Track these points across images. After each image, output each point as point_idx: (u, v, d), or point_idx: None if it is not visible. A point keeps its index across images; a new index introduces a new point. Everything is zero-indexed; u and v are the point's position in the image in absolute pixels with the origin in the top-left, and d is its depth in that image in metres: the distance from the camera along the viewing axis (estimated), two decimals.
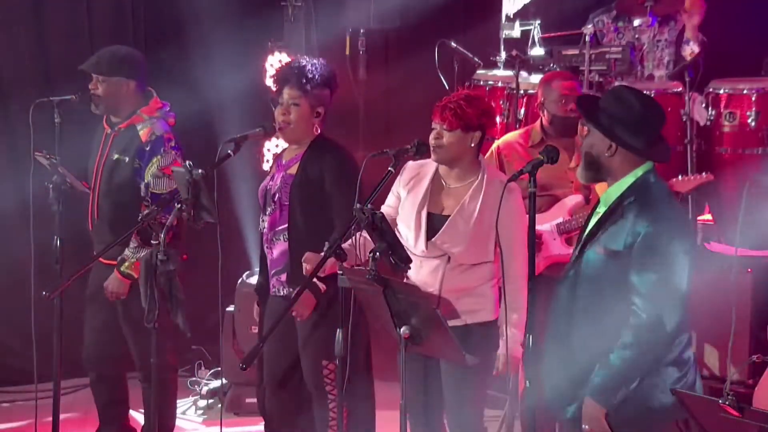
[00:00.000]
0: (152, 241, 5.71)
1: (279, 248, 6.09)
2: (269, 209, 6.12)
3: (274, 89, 6.26)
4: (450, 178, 5.73)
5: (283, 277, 6.09)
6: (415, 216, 5.70)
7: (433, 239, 5.64)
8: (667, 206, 4.71)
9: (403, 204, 5.77)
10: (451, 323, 5.58)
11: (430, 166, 5.77)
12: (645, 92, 5.16)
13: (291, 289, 6.02)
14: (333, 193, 5.99)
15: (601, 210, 4.79)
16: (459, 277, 5.63)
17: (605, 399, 4.71)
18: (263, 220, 6.17)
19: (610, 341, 4.71)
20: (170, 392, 6.92)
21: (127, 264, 6.61)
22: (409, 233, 5.70)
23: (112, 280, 6.63)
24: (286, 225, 6.06)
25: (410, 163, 5.79)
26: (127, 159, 6.65)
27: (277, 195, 6.09)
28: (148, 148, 6.64)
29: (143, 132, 6.67)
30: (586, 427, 4.75)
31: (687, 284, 4.68)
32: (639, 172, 4.73)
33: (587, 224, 4.87)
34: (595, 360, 4.74)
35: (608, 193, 4.77)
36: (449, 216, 5.64)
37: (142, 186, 6.58)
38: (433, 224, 5.67)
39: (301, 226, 6.02)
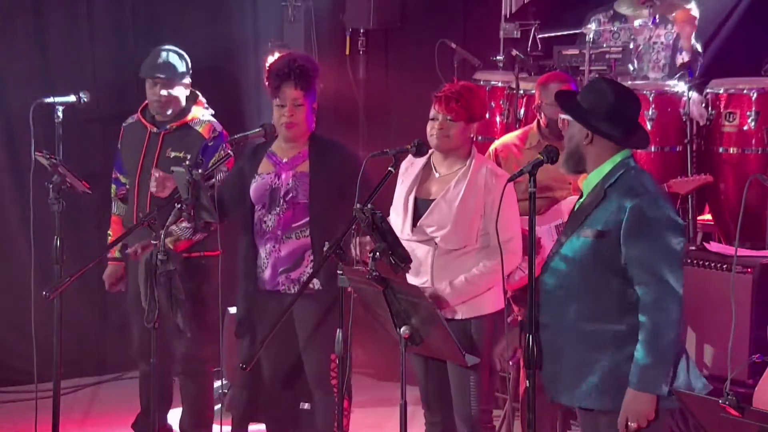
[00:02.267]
0: (152, 241, 5.72)
1: (290, 246, 6.08)
2: (278, 209, 6.10)
3: (268, 86, 6.22)
4: (442, 166, 5.77)
5: (294, 274, 6.08)
6: (403, 201, 5.76)
7: (418, 223, 5.69)
8: (649, 182, 4.81)
9: (396, 192, 5.82)
10: (451, 316, 5.62)
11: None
12: (626, 85, 5.24)
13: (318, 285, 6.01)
14: (349, 187, 5.93)
15: (583, 198, 4.86)
16: (449, 265, 5.65)
17: (652, 386, 4.66)
18: (269, 219, 6.13)
19: (606, 323, 4.72)
20: (209, 385, 6.95)
21: (172, 238, 6.50)
22: (397, 219, 5.75)
23: (145, 247, 6.37)
24: (305, 221, 6.06)
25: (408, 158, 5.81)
26: (189, 156, 6.63)
27: (291, 194, 6.07)
28: (211, 144, 6.65)
29: (203, 129, 6.67)
30: (633, 425, 4.67)
31: (681, 247, 4.72)
32: (617, 158, 4.82)
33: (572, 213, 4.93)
34: (593, 343, 4.75)
35: (588, 180, 4.87)
36: (435, 200, 5.70)
37: None
38: (419, 209, 5.73)
39: (323, 222, 6.03)
